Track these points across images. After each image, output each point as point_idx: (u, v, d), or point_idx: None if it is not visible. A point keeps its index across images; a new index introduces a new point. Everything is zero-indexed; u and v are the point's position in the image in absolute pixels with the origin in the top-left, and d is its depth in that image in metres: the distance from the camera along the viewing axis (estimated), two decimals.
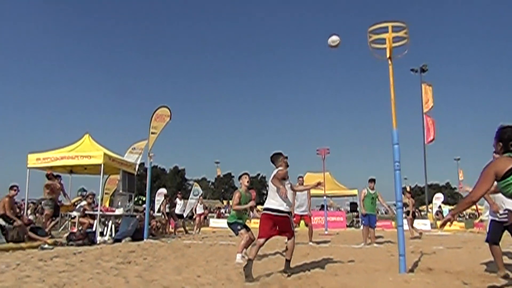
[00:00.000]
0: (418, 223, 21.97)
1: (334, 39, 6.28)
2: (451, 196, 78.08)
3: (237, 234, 7.43)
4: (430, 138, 26.33)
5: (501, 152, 3.47)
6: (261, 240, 5.46)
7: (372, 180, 10.91)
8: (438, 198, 30.71)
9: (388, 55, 5.46)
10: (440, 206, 30.46)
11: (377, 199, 10.78)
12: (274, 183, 5.45)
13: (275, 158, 5.81)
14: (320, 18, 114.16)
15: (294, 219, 9.15)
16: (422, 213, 37.42)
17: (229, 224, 7.44)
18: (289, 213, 5.63)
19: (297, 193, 9.52)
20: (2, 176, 65.86)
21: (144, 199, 24.50)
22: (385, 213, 40.16)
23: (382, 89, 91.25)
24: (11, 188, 10.21)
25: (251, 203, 7.56)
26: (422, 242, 11.56)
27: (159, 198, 18.32)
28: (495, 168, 3.29)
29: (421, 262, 6.86)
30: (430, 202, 31.75)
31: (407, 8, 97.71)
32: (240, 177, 7.67)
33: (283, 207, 5.49)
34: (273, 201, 5.52)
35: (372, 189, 10.79)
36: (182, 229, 17.17)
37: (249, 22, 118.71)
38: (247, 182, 7.56)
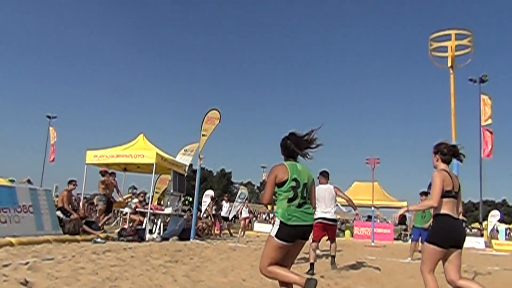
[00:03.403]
0: (472, 241, 20.83)
1: None
2: (508, 214, 73.36)
3: None
4: (487, 153, 25.04)
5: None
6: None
7: (424, 193, 10.47)
8: (494, 215, 28.63)
9: (449, 64, 5.22)
10: (495, 225, 28.55)
11: (430, 214, 10.30)
12: None
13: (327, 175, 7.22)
14: (383, 25, 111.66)
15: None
16: (475, 230, 35.35)
17: None
18: None
19: None
20: (62, 171, 69.91)
21: (190, 199, 24.95)
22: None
23: (438, 98, 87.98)
24: (70, 182, 10.66)
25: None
26: (476, 261, 10.97)
27: (206, 200, 18.56)
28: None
29: None
30: (484, 219, 30.03)
31: (466, 15, 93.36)
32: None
33: None
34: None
35: None
36: (227, 231, 17.34)
37: (311, 30, 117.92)
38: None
